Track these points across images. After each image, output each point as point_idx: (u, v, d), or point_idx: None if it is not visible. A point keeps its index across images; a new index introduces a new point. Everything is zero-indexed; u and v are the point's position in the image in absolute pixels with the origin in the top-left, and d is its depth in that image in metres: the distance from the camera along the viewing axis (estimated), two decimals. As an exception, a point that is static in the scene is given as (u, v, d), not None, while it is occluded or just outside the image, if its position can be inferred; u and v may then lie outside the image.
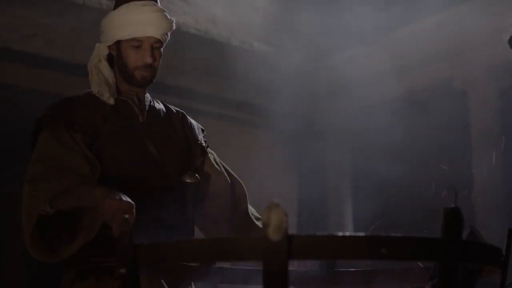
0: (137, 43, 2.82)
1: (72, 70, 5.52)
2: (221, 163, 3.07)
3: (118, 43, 2.86)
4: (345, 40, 6.47)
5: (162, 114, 2.98)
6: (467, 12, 6.14)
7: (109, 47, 2.88)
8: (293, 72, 6.52)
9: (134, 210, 2.40)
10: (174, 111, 3.04)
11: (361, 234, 1.35)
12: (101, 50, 2.89)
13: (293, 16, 6.60)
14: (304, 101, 6.91)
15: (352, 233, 1.34)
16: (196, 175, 2.88)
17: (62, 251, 2.65)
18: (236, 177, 3.07)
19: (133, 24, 2.80)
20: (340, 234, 1.33)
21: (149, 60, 2.82)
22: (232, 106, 6.60)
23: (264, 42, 6.72)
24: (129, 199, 2.44)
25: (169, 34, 2.90)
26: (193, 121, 3.08)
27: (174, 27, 2.90)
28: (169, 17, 2.87)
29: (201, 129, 3.09)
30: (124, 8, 2.85)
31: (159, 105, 3.01)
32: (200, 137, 3.04)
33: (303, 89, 6.74)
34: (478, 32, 6.03)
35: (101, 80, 2.87)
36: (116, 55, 2.87)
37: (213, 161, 3.04)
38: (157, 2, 2.90)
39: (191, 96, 6.11)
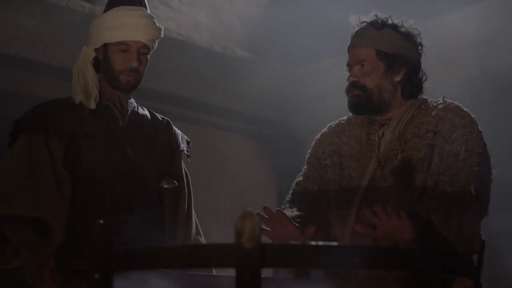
0: (124, 47, 2.83)
1: (54, 73, 5.49)
2: (189, 183, 3.07)
3: (105, 46, 2.86)
4: (327, 47, 6.48)
5: (145, 120, 2.99)
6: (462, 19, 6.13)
7: (96, 50, 2.88)
8: (274, 79, 6.53)
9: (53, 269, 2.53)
10: (160, 118, 3.05)
11: (334, 243, 1.36)
12: (88, 53, 2.89)
13: (275, 23, 6.61)
14: (285, 108, 6.92)
15: (325, 242, 1.35)
16: (174, 181, 2.88)
17: (8, 260, 2.72)
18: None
19: (121, 27, 2.82)
20: (313, 243, 1.33)
21: (135, 64, 2.83)
22: (212, 112, 6.59)
23: (246, 49, 6.73)
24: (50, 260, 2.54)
25: (156, 41, 2.92)
26: (178, 131, 3.09)
27: (162, 35, 2.91)
28: (157, 24, 2.89)
29: (187, 140, 3.10)
30: (113, 12, 2.86)
31: (144, 111, 3.02)
32: (183, 145, 3.05)
33: (284, 96, 6.75)
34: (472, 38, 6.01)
35: (83, 83, 2.87)
36: (103, 59, 2.88)
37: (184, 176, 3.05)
38: (146, 9, 2.91)
39: (172, 100, 6.10)
